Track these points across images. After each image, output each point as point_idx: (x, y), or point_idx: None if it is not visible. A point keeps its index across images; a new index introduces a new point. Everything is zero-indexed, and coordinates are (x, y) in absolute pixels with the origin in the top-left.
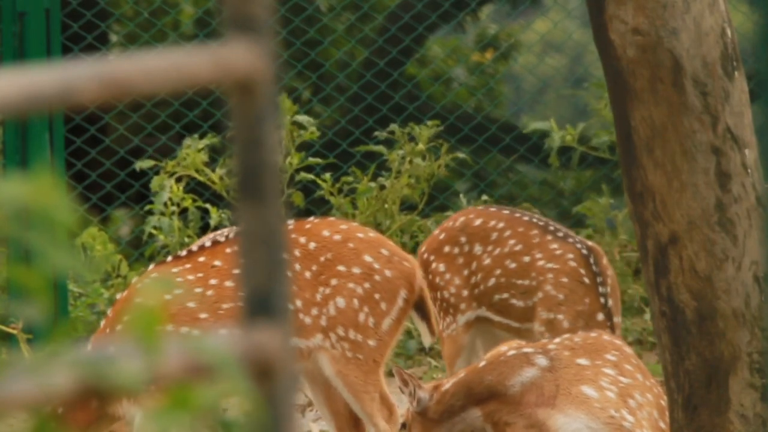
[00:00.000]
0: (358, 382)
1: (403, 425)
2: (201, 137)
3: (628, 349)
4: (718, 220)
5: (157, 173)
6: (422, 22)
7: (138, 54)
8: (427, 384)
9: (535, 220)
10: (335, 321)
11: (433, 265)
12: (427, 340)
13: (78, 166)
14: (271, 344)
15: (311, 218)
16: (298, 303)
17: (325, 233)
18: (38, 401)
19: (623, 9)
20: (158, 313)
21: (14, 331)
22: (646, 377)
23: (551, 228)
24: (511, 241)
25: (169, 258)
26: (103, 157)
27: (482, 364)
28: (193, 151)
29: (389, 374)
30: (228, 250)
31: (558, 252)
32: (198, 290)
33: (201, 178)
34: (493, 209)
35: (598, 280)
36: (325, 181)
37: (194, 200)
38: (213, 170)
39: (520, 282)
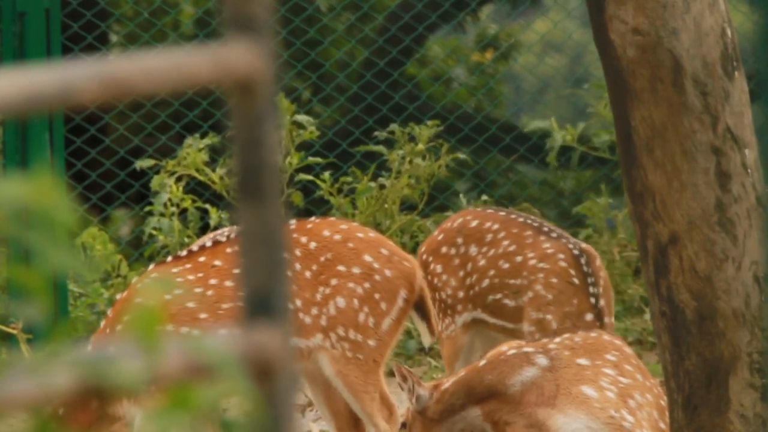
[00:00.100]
0: (358, 382)
1: (403, 425)
2: (201, 137)
3: (628, 350)
4: (718, 220)
5: (157, 173)
6: (422, 22)
7: (138, 54)
8: (427, 383)
9: (530, 221)
10: (335, 321)
11: (432, 266)
12: (426, 340)
13: (78, 166)
14: (271, 344)
15: (313, 218)
16: (298, 303)
17: (326, 233)
18: (38, 401)
19: (623, 9)
20: (158, 313)
21: (14, 331)
22: (646, 377)
23: (545, 229)
24: (505, 242)
25: (169, 258)
26: (103, 157)
27: (482, 363)
28: (194, 150)
29: (389, 374)
30: (228, 250)
31: (550, 251)
32: (198, 290)
33: (201, 178)
34: (490, 210)
35: (590, 281)
36: (324, 181)
37: (194, 200)
38: (213, 170)
39: (512, 281)
